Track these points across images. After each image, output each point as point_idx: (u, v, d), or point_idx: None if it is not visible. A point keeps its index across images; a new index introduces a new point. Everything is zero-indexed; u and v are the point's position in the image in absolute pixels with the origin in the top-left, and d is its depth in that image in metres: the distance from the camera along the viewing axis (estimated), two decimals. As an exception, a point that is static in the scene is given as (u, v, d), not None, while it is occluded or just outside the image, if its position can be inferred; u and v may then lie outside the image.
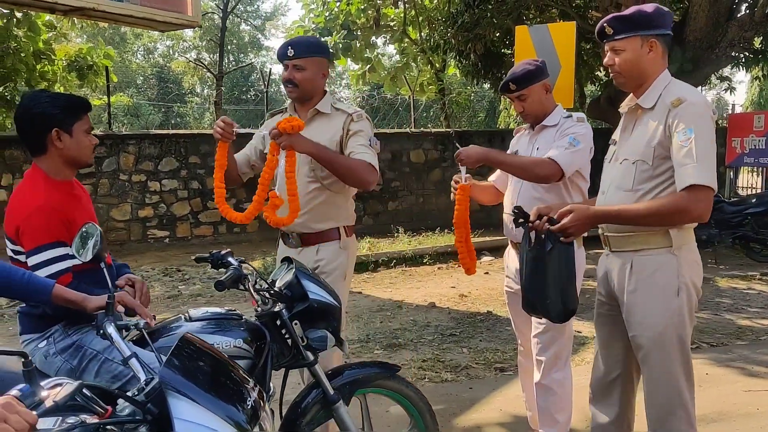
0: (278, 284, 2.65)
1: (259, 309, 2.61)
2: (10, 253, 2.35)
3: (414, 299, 7.24)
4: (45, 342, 2.28)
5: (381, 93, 17.08)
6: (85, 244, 2.05)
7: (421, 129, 13.84)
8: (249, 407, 1.72)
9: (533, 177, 3.16)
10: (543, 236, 2.58)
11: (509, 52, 11.34)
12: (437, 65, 14.78)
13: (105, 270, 1.99)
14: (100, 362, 2.25)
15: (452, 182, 3.35)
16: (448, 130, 13.67)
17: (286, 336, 2.62)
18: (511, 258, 3.45)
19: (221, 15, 25.34)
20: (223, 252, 2.75)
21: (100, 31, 27.22)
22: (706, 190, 2.37)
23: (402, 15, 13.72)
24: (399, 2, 12.93)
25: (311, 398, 2.73)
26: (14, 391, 1.32)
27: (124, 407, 1.58)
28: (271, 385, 2.62)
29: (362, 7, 13.38)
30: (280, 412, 2.75)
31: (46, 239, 2.26)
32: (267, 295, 2.60)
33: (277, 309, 2.58)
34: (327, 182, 3.12)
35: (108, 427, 1.52)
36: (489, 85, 13.25)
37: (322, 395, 2.71)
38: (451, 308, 6.83)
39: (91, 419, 1.46)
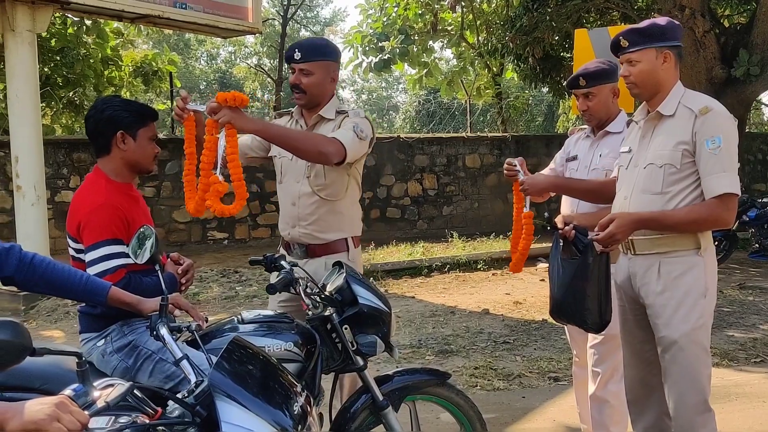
0: (329, 288, 2.67)
1: (310, 313, 2.63)
2: (72, 252, 2.44)
3: (467, 305, 7.18)
4: (103, 341, 2.35)
5: (437, 97, 17.05)
6: (142, 245, 2.11)
7: (477, 133, 13.75)
8: (296, 412, 1.73)
9: (606, 200, 3.03)
10: (572, 243, 2.67)
11: (568, 55, 11.18)
12: (495, 69, 14.67)
13: (159, 272, 2.04)
14: (154, 362, 2.30)
15: (506, 162, 3.20)
16: (504, 134, 13.54)
17: (337, 340, 2.64)
18: None
19: (281, 21, 25.72)
20: (276, 255, 2.78)
21: (165, 37, 27.99)
22: (734, 197, 2.54)
23: (459, 19, 13.68)
24: (457, 6, 12.89)
25: (360, 403, 2.73)
26: (68, 391, 1.36)
27: (174, 409, 1.62)
28: (322, 388, 2.65)
29: (420, 11, 13.41)
30: (330, 416, 2.77)
31: (105, 236, 2.33)
32: (318, 299, 2.62)
33: (327, 313, 2.60)
34: (324, 193, 3.00)
35: (158, 428, 1.55)
36: (547, 89, 13.08)
37: (371, 400, 2.70)
38: (505, 315, 6.75)
39: (143, 419, 1.50)
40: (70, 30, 11.47)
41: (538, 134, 15.00)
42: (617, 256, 2.80)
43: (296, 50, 2.96)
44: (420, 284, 8.42)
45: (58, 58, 11.46)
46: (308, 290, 2.61)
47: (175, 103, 2.80)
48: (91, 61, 11.87)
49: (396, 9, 13.57)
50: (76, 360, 1.39)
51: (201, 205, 2.55)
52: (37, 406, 1.27)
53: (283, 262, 2.69)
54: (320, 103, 3.03)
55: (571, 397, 3.91)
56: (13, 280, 1.95)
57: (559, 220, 2.74)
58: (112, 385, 1.44)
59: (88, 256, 2.34)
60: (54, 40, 11.30)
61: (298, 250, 3.07)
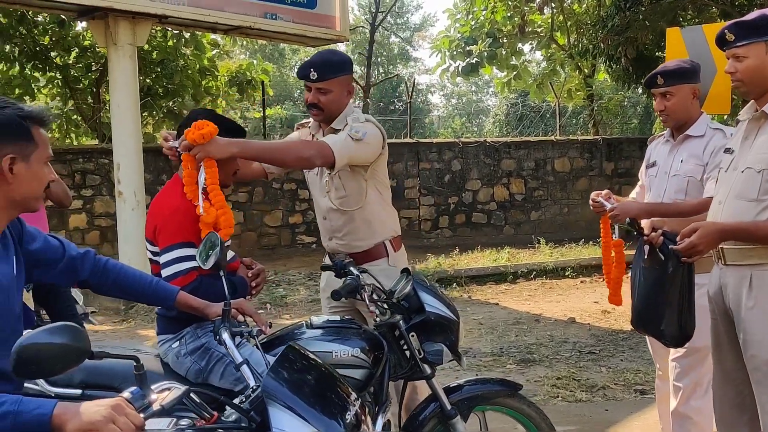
0: (396, 295, 2.67)
1: (377, 319, 2.65)
2: (149, 255, 2.56)
3: (553, 313, 7.02)
4: (177, 343, 2.44)
5: (527, 100, 16.77)
6: (208, 252, 2.18)
7: (568, 137, 13.43)
8: (350, 421, 1.74)
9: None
10: (659, 251, 2.52)
11: (663, 55, 10.73)
12: (586, 71, 14.29)
13: (223, 278, 2.10)
14: (225, 365, 2.37)
15: (591, 200, 3.19)
16: (595, 137, 13.16)
17: (405, 347, 2.64)
18: None
19: (370, 29, 26.01)
20: (345, 261, 2.81)
21: (261, 47, 28.86)
22: None
23: (549, 21, 13.42)
24: (545, 8, 12.65)
25: (429, 412, 2.72)
26: (126, 394, 1.42)
27: (231, 413, 1.66)
28: (391, 393, 2.66)
29: (508, 14, 13.24)
30: (399, 423, 2.77)
31: (178, 239, 2.42)
32: (384, 305, 2.63)
33: (395, 320, 2.61)
34: (345, 205, 3.01)
35: (219, 431, 1.60)
36: (641, 90, 12.63)
37: (439, 409, 2.69)
38: (591, 324, 6.55)
39: (201, 423, 1.55)
40: (170, 42, 12.01)
41: (631, 137, 14.45)
42: (711, 265, 2.64)
43: (311, 69, 2.94)
44: (505, 291, 8.30)
45: (159, 69, 12.01)
46: (375, 297, 2.63)
47: (159, 142, 2.86)
48: (189, 71, 12.37)
49: (484, 12, 13.46)
50: (134, 363, 1.45)
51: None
52: (94, 408, 1.34)
53: (352, 268, 2.72)
54: (338, 116, 3.03)
55: (657, 412, 3.75)
56: (88, 283, 2.07)
57: (646, 226, 2.62)
58: (168, 389, 1.50)
59: (162, 258, 2.44)
60: (155, 52, 11.86)
61: (341, 259, 3.06)
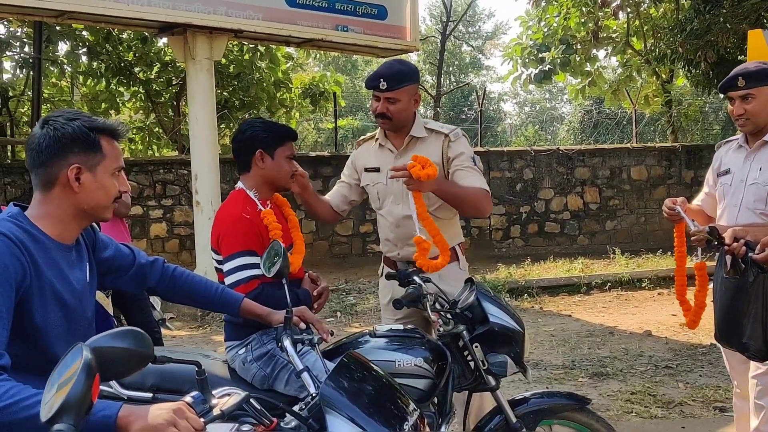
0: (459, 305, 2.65)
1: (440, 329, 2.63)
2: (215, 264, 2.63)
3: (628, 326, 6.81)
4: (244, 349, 2.50)
5: (601, 108, 16.37)
6: (271, 260, 2.23)
7: (645, 144, 13.03)
8: (407, 431, 1.73)
9: None
10: (741, 261, 2.43)
11: (746, 58, 10.29)
12: (664, 76, 13.83)
13: (286, 286, 2.14)
14: (289, 371, 2.40)
15: (665, 207, 3.07)
16: (674, 144, 12.72)
17: (469, 358, 2.62)
18: None
19: (440, 38, 26.04)
20: (410, 270, 2.81)
21: (334, 59, 29.30)
22: None
23: (624, 26, 13.09)
24: (620, 13, 12.35)
25: (493, 424, 2.69)
26: (187, 398, 1.46)
27: (290, 420, 1.68)
28: (454, 405, 2.64)
29: (582, 20, 12.99)
30: (463, 435, 2.75)
31: (240, 247, 2.48)
32: (447, 315, 2.61)
33: (458, 330, 2.59)
34: (441, 215, 3.05)
35: (277, 437, 1.62)
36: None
37: (504, 422, 2.66)
38: (669, 338, 6.32)
39: (260, 429, 1.58)
40: (245, 56, 12.35)
41: (712, 143, 13.90)
42: None
43: (381, 79, 2.98)
44: (578, 302, 8.11)
45: (235, 82, 12.36)
46: (437, 306, 2.62)
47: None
48: (264, 84, 12.67)
49: (557, 19, 13.25)
50: (195, 369, 1.49)
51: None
52: (157, 411, 1.39)
53: (415, 277, 2.72)
54: (405, 125, 3.07)
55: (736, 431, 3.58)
56: (157, 290, 2.14)
57: (728, 235, 2.50)
58: (229, 395, 1.53)
59: (225, 267, 2.50)
60: (232, 66, 12.21)
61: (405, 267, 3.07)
